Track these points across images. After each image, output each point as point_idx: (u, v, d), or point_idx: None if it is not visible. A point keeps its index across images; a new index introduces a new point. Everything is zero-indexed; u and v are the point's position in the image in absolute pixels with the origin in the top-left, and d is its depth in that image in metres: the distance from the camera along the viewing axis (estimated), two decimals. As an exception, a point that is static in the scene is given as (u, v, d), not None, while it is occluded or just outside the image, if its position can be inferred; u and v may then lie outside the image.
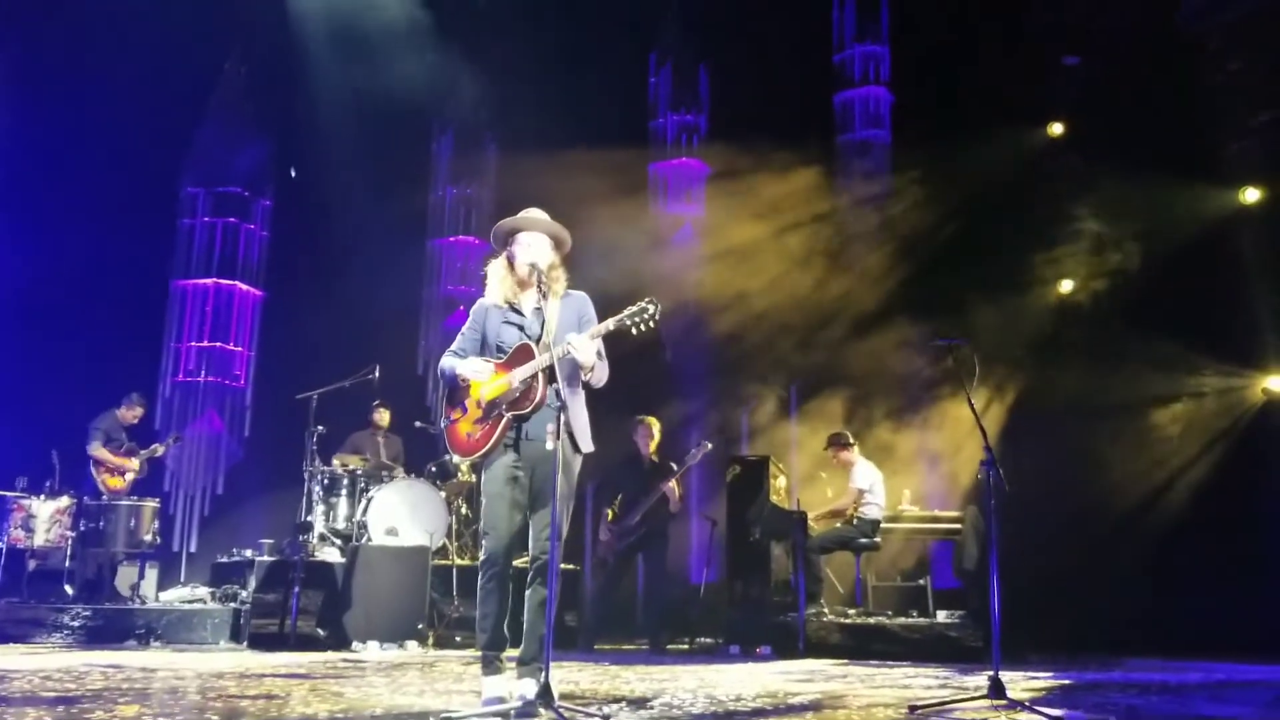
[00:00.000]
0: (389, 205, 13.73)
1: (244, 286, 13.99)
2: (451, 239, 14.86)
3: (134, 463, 10.81)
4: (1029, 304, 12.01)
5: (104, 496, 10.35)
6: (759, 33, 13.02)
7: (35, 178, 12.16)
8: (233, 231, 14.03)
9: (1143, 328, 10.74)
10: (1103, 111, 11.54)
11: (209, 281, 13.84)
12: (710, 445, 9.57)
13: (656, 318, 4.78)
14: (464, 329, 5.17)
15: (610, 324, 4.83)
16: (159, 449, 11.06)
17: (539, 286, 4.97)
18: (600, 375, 5.01)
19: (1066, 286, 12.04)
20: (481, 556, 4.92)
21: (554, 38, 13.24)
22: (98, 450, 10.65)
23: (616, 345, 5.06)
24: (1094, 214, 11.68)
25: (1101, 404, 10.84)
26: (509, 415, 4.86)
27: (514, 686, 4.78)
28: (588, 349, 4.80)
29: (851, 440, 10.14)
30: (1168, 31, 11.12)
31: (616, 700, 5.31)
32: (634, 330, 4.80)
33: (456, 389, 5.04)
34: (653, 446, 9.93)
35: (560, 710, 4.23)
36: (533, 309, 5.04)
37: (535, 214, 5.15)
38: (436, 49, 13.68)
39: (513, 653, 4.90)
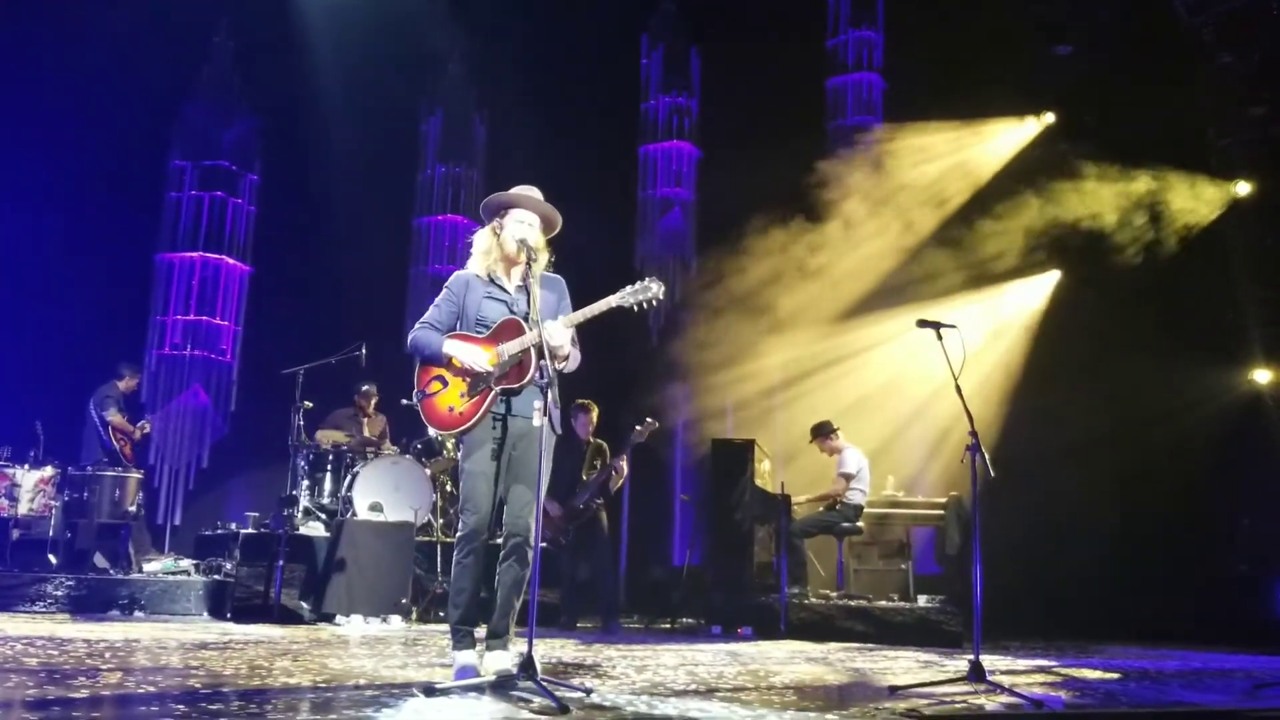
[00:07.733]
0: (377, 182, 13.71)
1: (231, 261, 13.92)
2: (439, 217, 14.80)
3: (139, 429, 10.91)
4: (1018, 294, 12.06)
5: (115, 465, 10.32)
6: (752, 16, 13.00)
7: (20, 150, 12.07)
8: (220, 206, 13.95)
9: (1130, 319, 10.78)
10: (1094, 102, 11.56)
11: (195, 255, 13.76)
12: (655, 422, 9.40)
13: (660, 296, 4.75)
14: (439, 299, 5.07)
15: (613, 300, 4.76)
16: (140, 431, 11.03)
17: (527, 264, 4.91)
18: (573, 362, 4.95)
19: (1055, 277, 12.08)
20: (460, 532, 4.83)
21: (545, 18, 13.19)
22: (114, 416, 10.70)
23: (602, 329, 5.02)
24: (1084, 204, 11.71)
25: (1085, 394, 10.87)
26: (496, 389, 4.84)
27: (485, 660, 4.77)
28: (563, 336, 4.74)
29: (835, 427, 10.16)
30: (1161, 22, 11.13)
31: (598, 675, 5.33)
32: (635, 309, 4.77)
33: (435, 362, 4.98)
34: (591, 431, 9.77)
35: (542, 683, 4.24)
36: (516, 286, 4.99)
37: (531, 192, 5.06)
38: (427, 27, 13.62)
39: (483, 630, 4.90)
